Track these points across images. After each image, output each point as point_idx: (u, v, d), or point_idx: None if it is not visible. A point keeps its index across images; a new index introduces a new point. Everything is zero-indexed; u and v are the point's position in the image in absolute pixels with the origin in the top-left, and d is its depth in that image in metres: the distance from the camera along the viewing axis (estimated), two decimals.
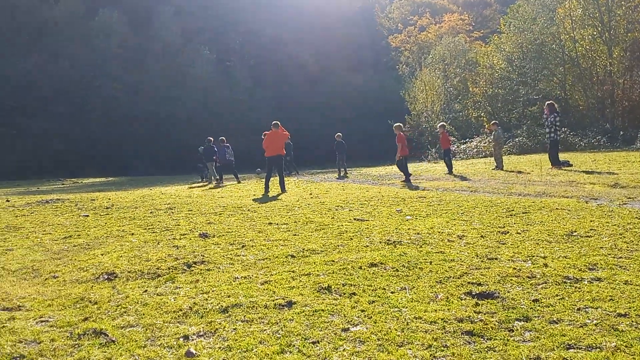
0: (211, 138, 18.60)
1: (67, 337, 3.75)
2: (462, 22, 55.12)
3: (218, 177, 18.18)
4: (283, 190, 12.98)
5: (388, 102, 40.43)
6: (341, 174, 19.09)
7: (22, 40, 36.06)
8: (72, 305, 4.55)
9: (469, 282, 4.57)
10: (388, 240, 6.52)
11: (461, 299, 4.16)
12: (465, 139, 31.69)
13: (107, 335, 3.71)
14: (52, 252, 6.95)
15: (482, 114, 35.96)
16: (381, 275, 4.95)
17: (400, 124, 15.98)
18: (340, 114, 40.93)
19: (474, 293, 4.27)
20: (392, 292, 4.43)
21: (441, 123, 18.96)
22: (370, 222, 7.92)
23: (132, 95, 36.33)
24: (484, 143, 28.28)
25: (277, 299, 4.36)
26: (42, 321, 4.16)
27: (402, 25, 58.01)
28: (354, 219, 8.23)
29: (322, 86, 44.24)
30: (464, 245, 6.06)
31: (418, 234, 6.83)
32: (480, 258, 5.42)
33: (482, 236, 6.53)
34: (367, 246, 6.29)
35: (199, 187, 16.33)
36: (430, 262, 5.30)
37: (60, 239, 7.82)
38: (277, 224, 8.04)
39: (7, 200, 13.06)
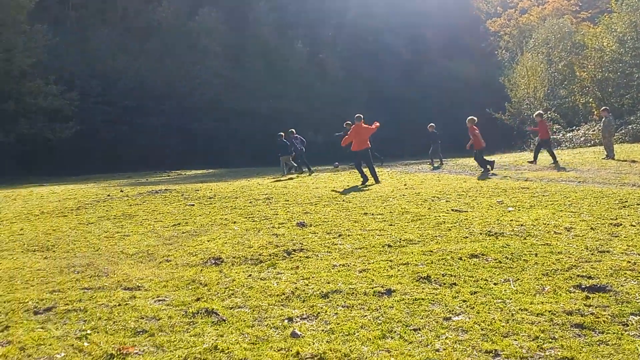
0: (282, 133, 19.03)
1: (183, 315, 4.05)
2: (568, 3, 51.56)
3: (297, 169, 18.69)
4: (377, 181, 12.96)
5: (486, 90, 38.91)
6: (435, 165, 18.70)
7: (133, 41, 38.83)
8: (185, 287, 4.89)
9: (578, 275, 4.34)
10: (489, 231, 6.34)
11: (570, 292, 3.97)
12: (571, 126, 29.74)
13: (218, 315, 3.96)
14: (164, 238, 7.47)
15: (590, 100, 33.57)
16: (483, 267, 4.83)
17: (474, 118, 15.42)
18: (436, 103, 40.00)
19: (583, 286, 4.06)
20: (494, 284, 4.32)
21: (538, 112, 17.79)
22: (469, 214, 7.72)
23: (233, 91, 37.85)
24: (593, 131, 26.37)
25: (376, 287, 4.41)
26: (159, 300, 4.52)
27: (501, 8, 55.37)
28: (452, 210, 8.07)
29: (417, 75, 43.41)
30: (572, 238, 5.74)
31: (521, 225, 6.56)
32: (590, 251, 5.12)
33: (592, 228, 6.15)
34: (467, 237, 6.15)
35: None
36: (536, 254, 5.09)
37: (170, 226, 8.39)
38: (373, 214, 8.07)
39: (121, 191, 14.18)
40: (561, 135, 27.97)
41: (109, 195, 12.96)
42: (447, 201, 9.07)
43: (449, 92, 41.79)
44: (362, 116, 13.37)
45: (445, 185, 11.46)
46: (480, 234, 6.26)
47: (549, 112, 31.49)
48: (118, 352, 3.35)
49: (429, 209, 8.35)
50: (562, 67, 36.98)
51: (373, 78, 42.47)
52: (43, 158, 32.20)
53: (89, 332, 3.77)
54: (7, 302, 4.67)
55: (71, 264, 6.12)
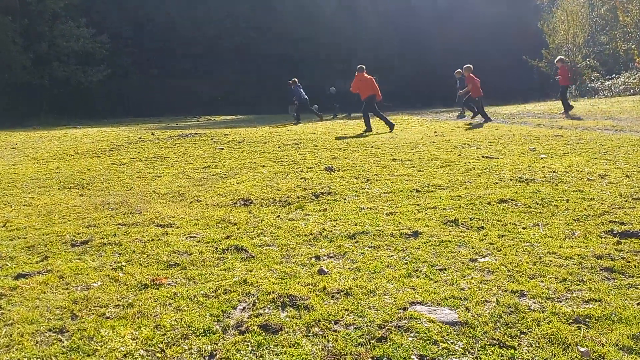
0: (290, 82, 19.08)
1: (213, 250, 4.16)
2: None
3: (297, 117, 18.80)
4: (390, 126, 12.91)
5: (524, 36, 37.40)
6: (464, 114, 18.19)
7: None
8: (215, 225, 5.00)
9: (610, 221, 4.27)
10: (520, 177, 6.24)
11: (601, 237, 3.92)
12: (611, 74, 28.56)
13: (247, 252, 4.05)
14: (194, 179, 7.60)
15: (632, 47, 32.00)
16: (512, 211, 4.79)
17: (470, 66, 14.93)
18: (471, 50, 38.73)
19: (615, 232, 3.99)
20: (523, 228, 4.29)
21: (560, 57, 17.00)
22: (500, 160, 7.60)
23: (262, 36, 37.32)
24: (633, 79, 25.30)
25: (402, 229, 4.43)
26: (190, 237, 4.64)
27: None
28: (482, 157, 7.95)
29: (452, 21, 41.89)
30: (606, 185, 5.62)
31: (554, 172, 6.44)
32: (624, 198, 5.01)
33: (627, 176, 6.00)
34: (497, 183, 6.08)
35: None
36: (567, 200, 5.01)
37: (200, 168, 8.51)
38: (402, 160, 8.02)
39: (152, 134, 14.39)
40: (599, 83, 26.93)
41: (140, 138, 13.17)
42: (477, 148, 8.93)
43: (485, 39, 40.35)
44: (364, 67, 13.43)
45: (477, 133, 11.27)
46: (511, 180, 6.17)
47: (587, 59, 30.20)
48: (152, 283, 3.48)
49: (459, 155, 8.24)
50: (604, 11, 35.12)
51: (405, 24, 41.20)
52: (76, 101, 32.74)
53: (123, 264, 3.92)
54: (46, 234, 4.87)
55: (105, 201, 6.31)
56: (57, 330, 2.82)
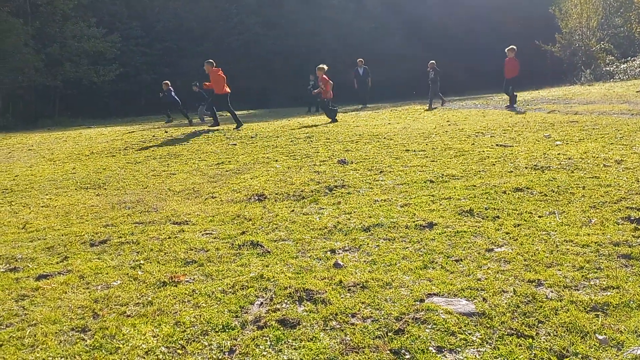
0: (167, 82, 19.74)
1: (229, 247, 4.20)
2: None
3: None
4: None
5: (535, 21, 36.78)
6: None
7: None
8: (230, 221, 5.04)
9: (627, 207, 4.23)
10: (535, 165, 6.19)
11: (618, 224, 3.88)
12: (626, 57, 28.08)
13: (263, 247, 4.09)
14: (208, 176, 7.65)
15: None
16: (527, 200, 4.76)
17: (324, 66, 14.40)
18: (480, 36, 38.25)
19: (632, 218, 3.96)
20: (539, 216, 4.26)
21: (511, 46, 15.13)
22: (514, 148, 7.54)
23: (270, 30, 37.26)
24: None
25: (417, 220, 4.43)
26: (206, 233, 4.68)
27: None
28: (496, 145, 7.89)
29: (460, 8, 41.40)
30: (623, 170, 5.56)
31: (569, 159, 6.38)
32: None
33: None
34: (511, 172, 6.04)
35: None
36: (583, 187, 4.96)
37: (214, 164, 8.56)
38: (415, 151, 7.99)
39: (166, 132, 14.47)
40: (615, 66, 26.51)
41: (153, 136, 13.26)
42: (491, 136, 8.87)
43: (494, 25, 39.77)
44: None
45: (490, 121, 11.17)
46: (526, 168, 6.13)
47: (602, 42, 29.72)
48: (170, 280, 3.53)
49: (473, 144, 8.19)
50: None
51: (413, 11, 40.76)
52: (88, 101, 32.99)
53: (142, 262, 3.97)
54: (65, 235, 4.94)
55: (122, 200, 6.38)
56: (80, 329, 2.88)
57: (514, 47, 14.56)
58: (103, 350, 2.61)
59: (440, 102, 17.50)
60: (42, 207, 6.36)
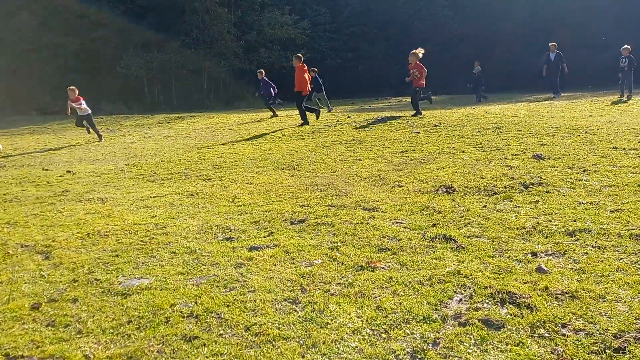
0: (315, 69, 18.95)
1: (421, 238, 4.24)
2: None
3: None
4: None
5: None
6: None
7: None
8: (419, 212, 5.07)
9: None
10: None
11: None
12: None
13: (456, 242, 4.04)
14: (393, 164, 7.77)
15: None
16: None
17: (419, 51, 12.69)
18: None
19: None
20: None
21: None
22: None
23: (457, 15, 36.19)
24: None
25: (632, 229, 3.99)
26: (396, 222, 4.78)
27: None
28: None
29: None
30: None
31: None
32: None
33: None
34: None
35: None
36: None
37: (398, 152, 8.65)
38: (624, 149, 7.15)
39: (349, 117, 14.99)
40: None
41: (338, 121, 13.83)
42: None
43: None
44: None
45: None
46: None
47: None
48: (367, 265, 3.69)
49: None
50: None
51: None
52: (277, 85, 35.64)
53: (338, 244, 4.21)
54: (268, 211, 5.44)
55: (314, 182, 6.81)
56: (292, 300, 3.17)
57: None
58: (314, 323, 2.84)
59: (627, 93, 15.34)
60: (247, 183, 7.07)
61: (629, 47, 15.76)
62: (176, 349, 2.64)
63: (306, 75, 14.64)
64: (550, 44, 19.41)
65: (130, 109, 28.76)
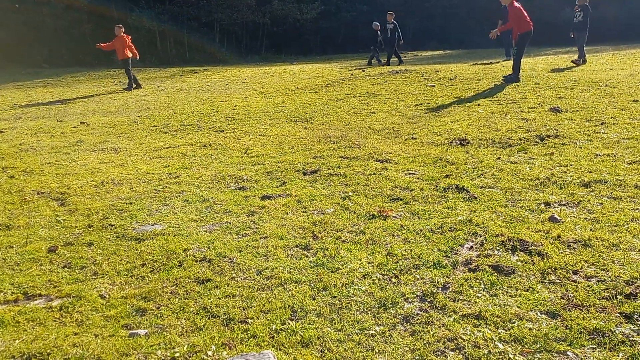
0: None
1: (433, 188, 4.22)
2: None
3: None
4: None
5: None
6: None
7: None
8: (432, 164, 5.03)
9: None
10: None
11: None
12: None
13: (469, 192, 4.02)
14: (407, 117, 7.67)
15: None
16: None
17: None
18: None
19: None
20: None
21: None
22: None
23: None
24: None
25: None
26: (409, 173, 4.76)
27: None
28: None
29: None
30: None
31: None
32: None
33: None
34: None
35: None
36: None
37: (412, 105, 8.53)
38: None
39: (363, 70, 14.75)
40: None
41: (352, 75, 13.63)
42: None
43: None
44: None
45: None
46: None
47: None
48: (379, 214, 3.69)
49: None
50: None
51: None
52: (291, 38, 35.01)
53: (350, 194, 4.21)
54: (280, 162, 5.44)
55: (327, 134, 6.77)
56: (303, 247, 3.20)
57: None
58: (325, 268, 2.87)
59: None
60: (259, 135, 7.04)
61: None
62: (189, 290, 2.70)
63: None
64: None
65: (142, 62, 28.56)
